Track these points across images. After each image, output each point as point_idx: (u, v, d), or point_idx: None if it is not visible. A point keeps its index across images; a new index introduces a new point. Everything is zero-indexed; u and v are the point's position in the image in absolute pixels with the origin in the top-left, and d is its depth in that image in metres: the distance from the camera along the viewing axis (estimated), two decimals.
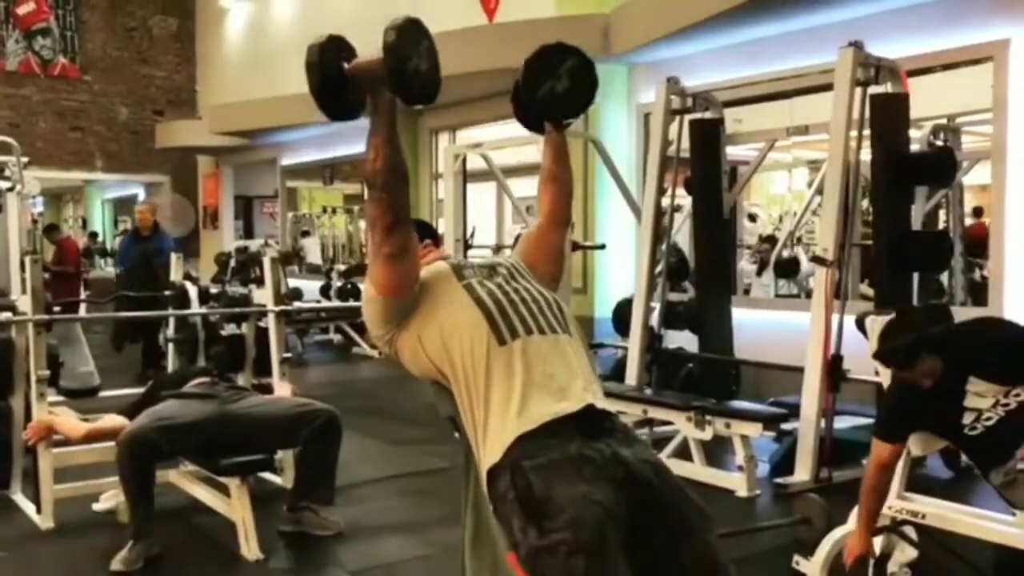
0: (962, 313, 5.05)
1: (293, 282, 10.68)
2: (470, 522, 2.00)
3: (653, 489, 1.72)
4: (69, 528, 3.78)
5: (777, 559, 3.30)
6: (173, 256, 5.64)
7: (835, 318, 4.49)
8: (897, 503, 3.04)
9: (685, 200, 6.15)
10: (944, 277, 5.99)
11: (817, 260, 4.61)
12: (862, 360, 3.75)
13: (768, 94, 6.36)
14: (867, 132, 4.69)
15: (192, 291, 5.30)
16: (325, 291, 10.82)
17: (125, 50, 15.47)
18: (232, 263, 10.86)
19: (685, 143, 5.69)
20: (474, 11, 9.24)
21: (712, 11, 6.07)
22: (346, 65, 1.92)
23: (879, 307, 4.13)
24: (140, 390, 3.90)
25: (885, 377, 3.11)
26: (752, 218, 8.85)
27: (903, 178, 4.72)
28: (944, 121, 5.95)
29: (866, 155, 4.90)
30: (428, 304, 1.90)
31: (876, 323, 3.15)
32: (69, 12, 14.91)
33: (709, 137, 5.66)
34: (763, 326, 6.23)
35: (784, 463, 4.55)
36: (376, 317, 1.94)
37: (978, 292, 6.26)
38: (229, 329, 4.80)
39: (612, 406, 1.85)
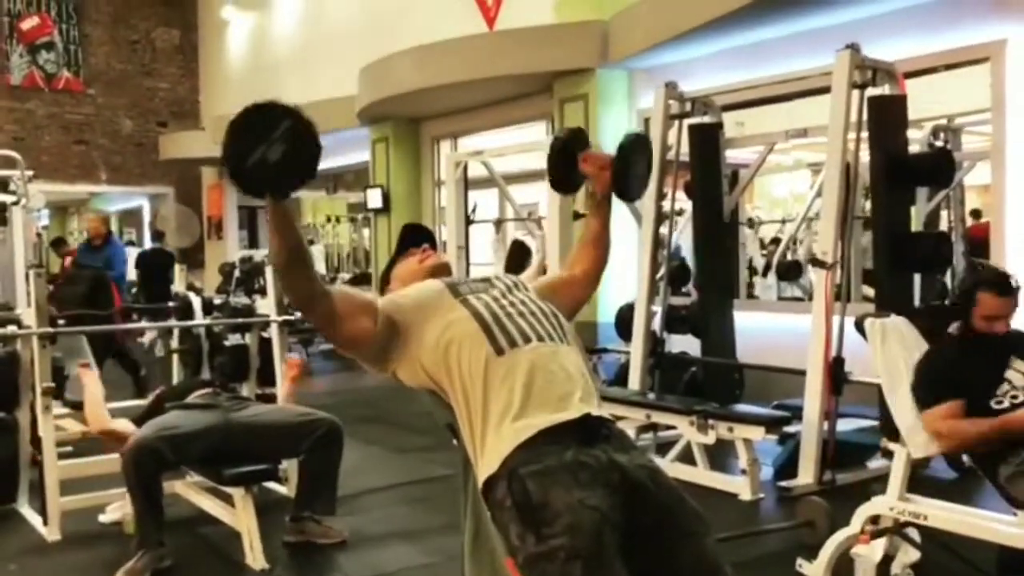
0: None
1: None
2: (469, 528, 2.02)
3: (649, 493, 1.73)
4: (75, 540, 3.80)
5: (781, 562, 3.30)
6: (176, 268, 5.66)
7: (836, 320, 4.49)
8: (899, 505, 3.04)
9: (686, 204, 6.16)
10: (948, 278, 6.00)
11: (816, 263, 4.62)
12: (864, 362, 3.75)
13: (767, 97, 6.37)
14: (865, 134, 4.70)
15: (196, 302, 5.32)
16: None
17: (128, 63, 15.56)
18: (236, 273, 10.90)
19: (685, 147, 5.70)
20: (474, 19, 9.28)
21: (710, 16, 6.09)
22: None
23: (879, 309, 4.13)
24: (142, 402, 3.91)
25: (886, 378, 3.12)
26: (751, 224, 8.83)
27: (902, 180, 4.73)
28: (944, 121, 5.97)
29: (865, 157, 4.91)
30: (421, 324, 1.90)
31: (875, 325, 3.17)
32: (72, 26, 15.01)
33: (708, 141, 5.67)
34: (766, 329, 6.23)
35: (787, 466, 4.55)
36: (363, 363, 1.99)
37: None
38: (233, 339, 4.82)
39: (615, 411, 1.87)
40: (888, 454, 3.25)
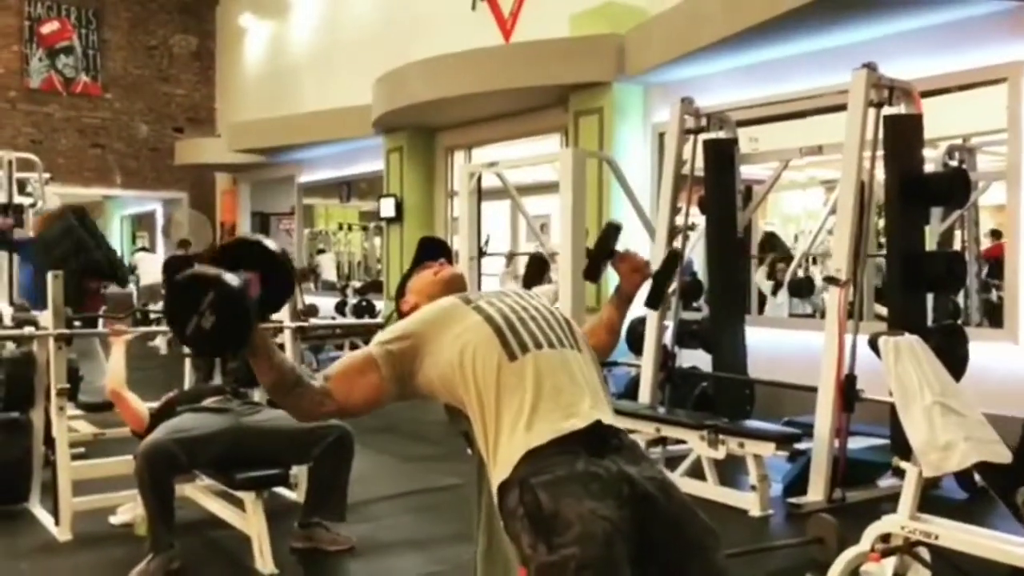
0: (977, 334, 5.07)
1: (309, 299, 10.75)
2: (483, 538, 2.03)
3: (659, 506, 1.74)
4: (87, 541, 3.82)
5: None
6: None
7: (849, 338, 4.49)
8: (910, 524, 3.03)
9: (699, 219, 6.17)
10: (960, 298, 5.98)
11: (830, 280, 4.62)
12: (876, 380, 3.74)
13: (782, 114, 6.38)
14: (881, 152, 4.70)
15: None
16: (340, 308, 10.88)
17: (146, 68, 15.70)
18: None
19: (700, 163, 5.71)
20: (491, 31, 9.33)
21: (727, 32, 6.11)
22: None
23: (892, 327, 4.13)
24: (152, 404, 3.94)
25: (900, 396, 3.11)
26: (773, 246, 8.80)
27: (916, 198, 4.73)
28: (960, 141, 5.96)
29: (880, 175, 4.91)
30: (436, 339, 1.92)
31: (890, 343, 3.16)
32: (92, 31, 15.16)
33: (723, 157, 5.68)
34: (777, 345, 6.22)
35: (797, 483, 4.54)
36: (394, 401, 2.00)
37: (994, 313, 6.24)
38: None
39: (625, 424, 1.87)
40: (899, 472, 3.25)
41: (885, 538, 3.08)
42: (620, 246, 2.41)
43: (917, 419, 3.03)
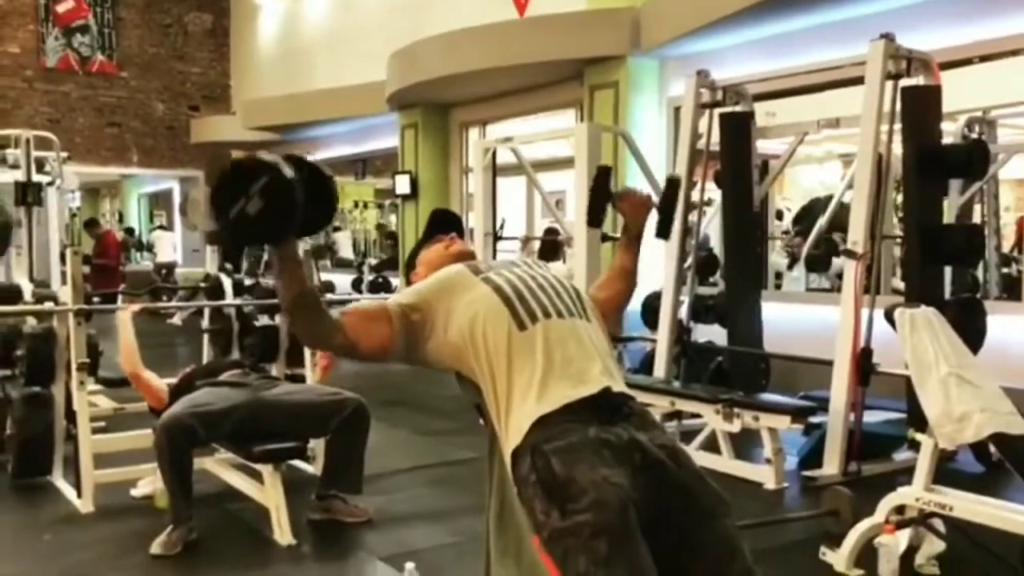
0: (996, 308, 5.04)
1: (325, 276, 10.79)
2: (494, 506, 2.04)
3: (670, 473, 1.75)
4: (108, 513, 3.88)
5: (804, 550, 3.30)
6: (208, 249, 5.73)
7: (865, 311, 4.47)
8: (925, 495, 3.03)
9: (715, 194, 6.14)
10: (980, 271, 5.93)
11: (847, 253, 4.59)
12: (892, 353, 3.73)
13: (799, 87, 6.31)
14: (899, 125, 4.65)
15: (227, 283, 5.40)
16: (356, 285, 10.93)
17: (161, 47, 15.71)
18: (266, 256, 11.00)
19: (715, 137, 5.67)
20: (505, 5, 9.27)
21: (743, 4, 6.04)
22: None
23: (909, 301, 4.11)
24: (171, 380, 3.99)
25: (915, 369, 3.10)
26: (779, 215, 8.77)
27: (934, 172, 4.68)
28: (979, 113, 5.89)
29: (898, 148, 4.87)
30: (447, 306, 1.92)
31: (905, 315, 3.15)
32: (107, 9, 15.17)
33: (739, 130, 5.64)
34: (793, 320, 6.20)
35: (812, 456, 4.55)
36: (395, 362, 2.00)
37: (1013, 287, 6.19)
38: (263, 320, 4.88)
39: (641, 399, 1.87)
40: (915, 445, 3.24)
41: (900, 510, 3.09)
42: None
43: (933, 391, 3.03)
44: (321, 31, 13.40)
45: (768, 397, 4.74)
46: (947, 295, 4.81)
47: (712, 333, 5.91)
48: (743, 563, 1.74)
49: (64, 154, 7.32)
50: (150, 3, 15.60)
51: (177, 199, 17.05)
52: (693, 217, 5.72)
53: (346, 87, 11.34)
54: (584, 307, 1.97)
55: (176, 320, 11.72)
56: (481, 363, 1.86)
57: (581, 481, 1.65)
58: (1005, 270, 6.32)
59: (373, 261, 11.84)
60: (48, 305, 4.21)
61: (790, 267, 8.03)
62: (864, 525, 3.10)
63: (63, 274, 4.84)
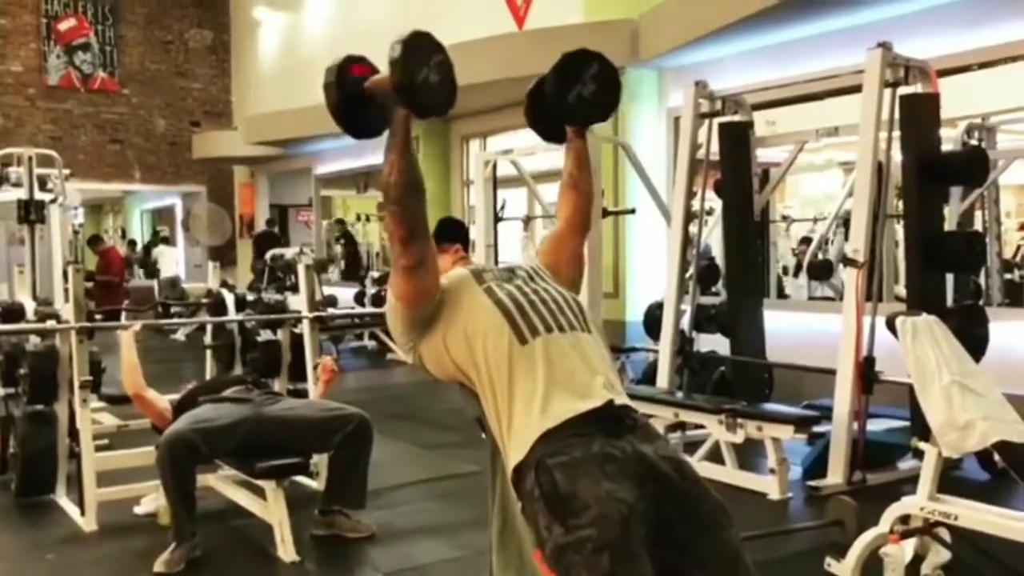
0: (998, 314, 5.03)
1: (328, 290, 10.80)
2: (497, 520, 2.04)
3: (674, 485, 1.75)
4: (112, 531, 3.88)
5: (809, 561, 3.28)
6: (210, 265, 5.74)
7: (867, 319, 4.46)
8: (930, 505, 3.02)
9: (716, 203, 6.14)
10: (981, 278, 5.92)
11: (848, 262, 4.59)
12: (895, 361, 3.73)
13: (798, 96, 6.33)
14: (898, 133, 4.66)
15: (229, 298, 5.40)
16: (359, 298, 10.93)
17: (162, 63, 15.79)
18: (267, 271, 11.01)
19: (715, 146, 5.68)
20: (504, 18, 9.30)
21: (741, 14, 6.07)
22: (366, 83, 2.00)
23: (911, 308, 4.10)
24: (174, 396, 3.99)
25: (918, 377, 3.09)
26: (785, 220, 8.78)
27: (934, 179, 4.68)
28: (979, 120, 5.89)
29: (898, 156, 4.87)
30: (451, 310, 1.94)
31: (907, 323, 3.14)
32: (108, 27, 15.25)
33: (738, 140, 5.65)
34: (796, 329, 6.20)
35: (816, 466, 4.53)
36: (399, 326, 2.01)
37: (1016, 293, 6.18)
38: (265, 335, 4.89)
39: (643, 410, 1.87)
40: (919, 454, 3.23)
41: (905, 519, 3.07)
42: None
43: (935, 399, 3.02)
44: (321, 45, 13.44)
45: (771, 407, 4.73)
46: (949, 302, 4.80)
47: (715, 343, 5.90)
48: (746, 575, 1.74)
49: (66, 171, 7.35)
50: (151, 20, 15.68)
51: (180, 215, 17.08)
52: (694, 227, 5.72)
53: None
54: (585, 320, 1.97)
55: (180, 336, 11.72)
56: (483, 378, 1.87)
57: (584, 496, 1.65)
58: (1007, 276, 6.30)
59: (376, 274, 11.84)
60: (50, 323, 4.21)
61: (795, 274, 8.03)
62: (869, 535, 3.08)
63: (66, 291, 4.85)
